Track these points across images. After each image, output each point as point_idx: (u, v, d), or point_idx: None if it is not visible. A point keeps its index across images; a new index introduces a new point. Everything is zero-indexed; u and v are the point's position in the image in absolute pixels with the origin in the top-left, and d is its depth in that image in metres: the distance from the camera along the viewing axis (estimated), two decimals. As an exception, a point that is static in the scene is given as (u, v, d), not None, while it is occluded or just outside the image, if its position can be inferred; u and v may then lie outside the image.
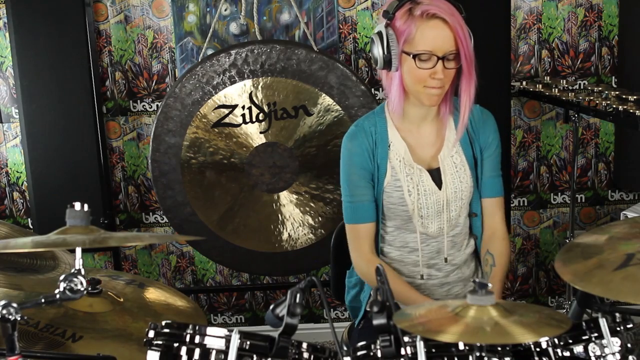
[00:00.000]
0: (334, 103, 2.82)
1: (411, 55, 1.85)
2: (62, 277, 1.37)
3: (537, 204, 3.38)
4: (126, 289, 2.02)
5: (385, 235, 2.06)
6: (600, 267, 1.33)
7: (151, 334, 1.36)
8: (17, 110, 3.18)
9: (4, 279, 1.75)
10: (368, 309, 2.11)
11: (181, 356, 1.33)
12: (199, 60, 2.89)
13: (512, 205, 3.32)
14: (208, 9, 3.14)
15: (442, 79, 1.86)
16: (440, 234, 2.01)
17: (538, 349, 1.36)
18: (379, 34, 1.88)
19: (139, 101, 3.24)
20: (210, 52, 3.03)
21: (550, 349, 1.36)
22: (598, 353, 1.36)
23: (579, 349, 1.38)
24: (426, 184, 1.97)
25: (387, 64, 1.88)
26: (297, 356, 1.36)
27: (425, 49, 1.84)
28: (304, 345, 1.38)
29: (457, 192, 1.99)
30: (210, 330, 1.35)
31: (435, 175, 1.99)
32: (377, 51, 1.88)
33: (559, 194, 3.37)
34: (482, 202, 2.06)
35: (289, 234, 2.96)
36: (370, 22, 3.17)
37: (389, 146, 1.98)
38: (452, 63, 1.86)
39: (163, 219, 3.34)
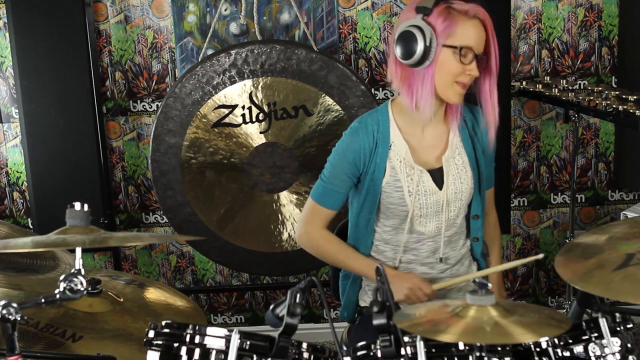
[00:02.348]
0: (334, 103, 2.82)
1: (457, 48, 1.86)
2: (62, 277, 1.37)
3: (537, 204, 3.38)
4: (126, 289, 2.02)
5: (382, 234, 2.07)
6: (600, 267, 1.33)
7: (151, 334, 1.36)
8: (17, 110, 3.18)
9: (4, 279, 1.75)
10: (361, 305, 2.13)
11: (181, 356, 1.33)
12: (199, 60, 2.89)
13: (512, 205, 3.32)
14: (208, 9, 3.14)
15: (473, 77, 1.89)
16: (437, 233, 2.02)
17: (538, 349, 1.36)
18: (418, 27, 1.85)
19: (139, 101, 3.25)
20: (210, 52, 3.03)
21: (550, 349, 1.36)
22: (598, 353, 1.36)
23: (579, 349, 1.38)
24: (427, 184, 1.98)
25: (424, 57, 1.86)
26: (297, 356, 1.36)
27: (467, 44, 1.86)
28: (304, 345, 1.38)
29: (457, 192, 2.00)
30: (210, 330, 1.35)
31: (436, 175, 1.99)
32: (417, 44, 1.85)
33: (559, 194, 3.37)
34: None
35: (289, 234, 2.96)
36: (370, 22, 3.17)
37: (390, 146, 1.98)
38: (479, 65, 1.90)
39: (163, 219, 3.34)
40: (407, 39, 1.87)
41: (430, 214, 2.00)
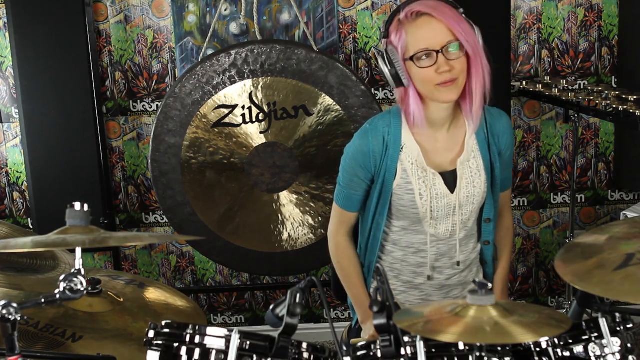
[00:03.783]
0: (334, 103, 2.82)
1: (410, 59, 1.84)
2: (62, 277, 1.37)
3: (537, 204, 3.38)
4: (126, 289, 2.02)
5: (391, 234, 2.06)
6: (600, 267, 1.33)
7: (151, 334, 1.36)
8: (17, 110, 3.18)
9: (4, 279, 1.75)
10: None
11: (181, 356, 1.33)
12: (199, 60, 2.89)
13: (512, 205, 3.32)
14: (208, 9, 3.14)
15: (449, 72, 1.82)
16: (447, 236, 2.01)
17: (538, 349, 1.36)
18: (380, 54, 1.89)
19: (139, 101, 3.25)
20: (210, 52, 3.03)
21: (550, 349, 1.36)
22: (598, 353, 1.36)
23: (579, 349, 1.38)
24: (438, 187, 1.96)
25: (397, 80, 1.87)
26: (297, 356, 1.36)
27: (419, 49, 1.82)
28: (304, 345, 1.38)
29: (469, 196, 1.98)
30: (210, 330, 1.35)
31: (449, 178, 1.97)
32: (385, 71, 1.88)
33: (559, 194, 3.37)
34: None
35: (289, 234, 2.96)
36: (370, 22, 3.17)
37: (402, 149, 1.96)
38: (453, 54, 1.83)
39: (163, 219, 3.34)
40: (379, 67, 1.91)
41: (442, 217, 1.98)
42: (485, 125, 1.98)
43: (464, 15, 1.87)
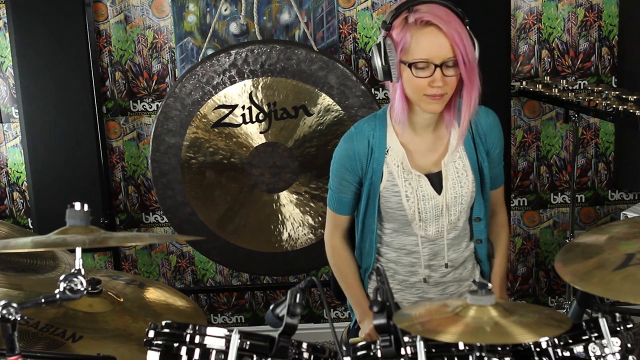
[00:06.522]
0: (334, 103, 2.82)
1: (407, 65, 1.82)
2: (62, 277, 1.37)
3: (537, 204, 3.38)
4: (126, 289, 2.02)
5: (383, 237, 2.06)
6: (600, 267, 1.33)
7: (151, 334, 1.36)
8: (17, 110, 3.18)
9: (4, 279, 1.75)
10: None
11: (181, 356, 1.34)
12: (199, 60, 2.89)
13: (512, 205, 3.32)
14: (208, 9, 3.14)
15: (441, 87, 1.82)
16: (438, 236, 2.01)
17: (538, 349, 1.37)
18: (378, 45, 1.86)
19: (139, 101, 3.25)
20: (210, 52, 3.03)
21: (550, 349, 1.36)
22: (598, 353, 1.37)
23: (579, 349, 1.38)
24: (425, 189, 1.96)
25: (387, 75, 1.86)
26: (297, 356, 1.36)
27: (421, 58, 1.80)
28: (304, 345, 1.38)
29: (457, 197, 1.98)
30: (210, 330, 1.35)
31: (435, 180, 1.97)
32: (377, 63, 1.86)
33: (559, 194, 3.37)
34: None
35: (289, 234, 2.96)
36: (370, 22, 3.17)
37: (387, 151, 1.97)
38: (451, 70, 1.82)
39: (163, 219, 3.34)
40: (372, 58, 1.89)
41: (430, 218, 1.98)
42: (470, 125, 1.97)
43: (467, 27, 1.84)
